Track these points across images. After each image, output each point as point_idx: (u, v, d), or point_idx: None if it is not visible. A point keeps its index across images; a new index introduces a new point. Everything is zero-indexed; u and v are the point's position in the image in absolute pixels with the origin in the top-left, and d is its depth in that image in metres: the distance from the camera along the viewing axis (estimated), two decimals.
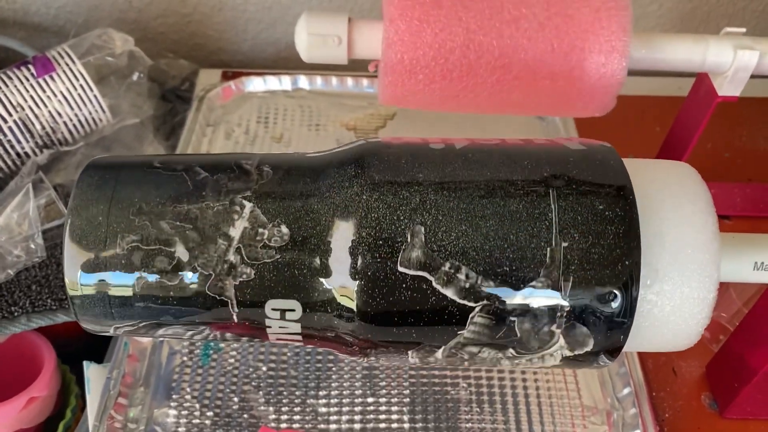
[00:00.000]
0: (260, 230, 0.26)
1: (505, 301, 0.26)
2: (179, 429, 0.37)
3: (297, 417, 0.38)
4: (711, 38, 0.40)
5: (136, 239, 0.26)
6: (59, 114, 0.47)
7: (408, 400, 0.39)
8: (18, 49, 0.56)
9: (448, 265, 0.25)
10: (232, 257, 0.26)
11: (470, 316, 0.26)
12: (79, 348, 0.46)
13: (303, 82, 0.58)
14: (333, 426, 0.38)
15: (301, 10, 0.61)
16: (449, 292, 0.26)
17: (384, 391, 0.39)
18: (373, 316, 0.26)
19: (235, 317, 0.27)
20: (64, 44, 0.48)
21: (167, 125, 0.56)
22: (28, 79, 0.46)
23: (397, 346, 0.27)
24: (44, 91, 0.46)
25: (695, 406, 0.41)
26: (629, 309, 0.26)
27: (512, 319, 0.26)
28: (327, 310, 0.27)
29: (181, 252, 0.26)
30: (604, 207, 0.26)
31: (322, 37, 0.38)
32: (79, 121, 0.48)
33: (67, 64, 0.47)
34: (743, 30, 0.40)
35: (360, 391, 0.39)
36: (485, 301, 0.26)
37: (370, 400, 0.39)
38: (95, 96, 0.48)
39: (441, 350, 0.27)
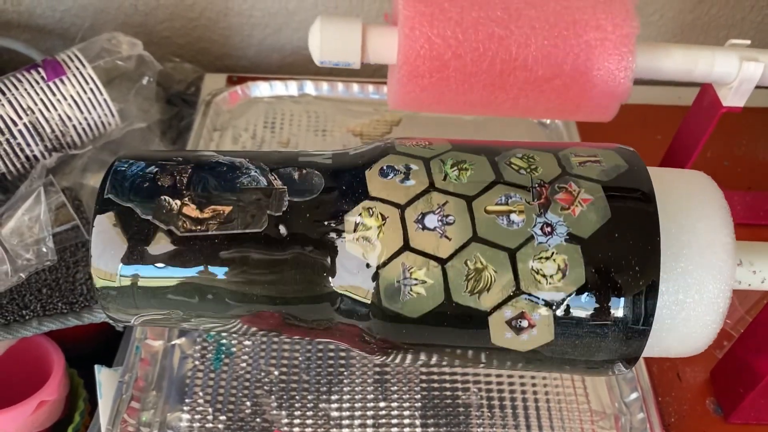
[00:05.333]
0: None
1: None
2: None
3: (309, 421, 0.38)
4: (717, 49, 0.40)
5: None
6: (69, 117, 0.47)
7: (420, 404, 0.39)
8: (23, 51, 0.55)
9: None
10: None
11: None
12: (86, 351, 0.46)
13: (309, 87, 0.59)
14: (345, 430, 0.38)
15: (307, 16, 0.62)
16: None
17: (396, 395, 0.39)
18: None
19: None
20: (74, 47, 0.48)
21: (173, 129, 0.56)
22: (38, 82, 0.46)
23: None
24: (54, 95, 0.46)
25: (700, 411, 0.42)
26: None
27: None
28: None
29: None
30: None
31: (336, 41, 0.39)
32: (89, 124, 0.48)
33: (77, 68, 0.47)
34: (748, 42, 0.41)
35: (372, 396, 0.39)
36: None
37: (382, 404, 0.39)
38: (105, 100, 0.48)
39: None
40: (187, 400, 0.39)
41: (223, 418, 0.38)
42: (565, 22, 0.38)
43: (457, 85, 0.39)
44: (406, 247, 0.27)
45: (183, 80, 0.60)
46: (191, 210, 0.28)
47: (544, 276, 0.26)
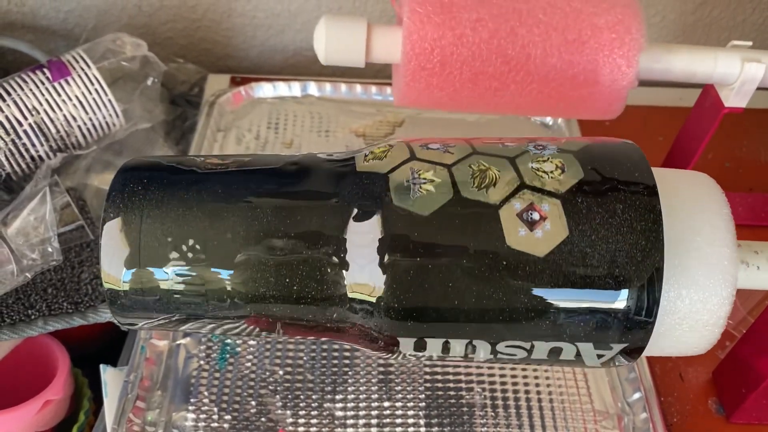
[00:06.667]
0: None
1: None
2: None
3: (314, 421, 0.38)
4: (720, 50, 0.41)
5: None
6: (74, 118, 0.47)
7: (424, 404, 0.39)
8: (27, 52, 0.56)
9: None
10: None
11: None
12: (91, 351, 0.46)
13: (312, 88, 0.59)
14: (350, 430, 0.38)
15: (310, 17, 0.62)
16: None
17: (400, 395, 0.40)
18: None
19: None
20: (79, 48, 0.48)
21: (177, 130, 0.57)
22: (43, 83, 0.46)
23: None
24: (59, 95, 0.46)
25: (702, 411, 0.42)
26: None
27: None
28: None
29: None
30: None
31: (340, 40, 0.39)
32: (93, 125, 0.48)
33: (83, 69, 0.47)
34: (750, 43, 0.41)
35: (376, 395, 0.40)
36: None
37: (386, 404, 0.39)
38: (110, 100, 0.48)
39: None
40: (192, 400, 0.39)
41: (228, 417, 0.38)
42: (574, 20, 0.38)
43: (461, 79, 0.40)
44: (413, 157, 0.30)
45: (186, 81, 0.60)
46: (214, 159, 0.31)
47: (545, 172, 0.28)
